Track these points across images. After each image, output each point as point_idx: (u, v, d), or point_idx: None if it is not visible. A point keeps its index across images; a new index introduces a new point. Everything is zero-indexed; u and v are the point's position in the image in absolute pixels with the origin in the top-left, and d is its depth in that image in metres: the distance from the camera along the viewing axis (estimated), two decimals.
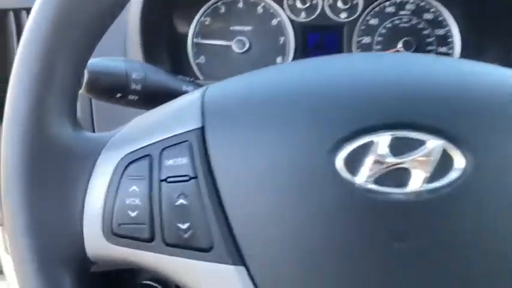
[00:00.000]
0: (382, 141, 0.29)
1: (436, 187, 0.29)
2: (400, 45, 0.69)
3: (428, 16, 0.70)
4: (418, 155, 0.29)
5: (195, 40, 0.69)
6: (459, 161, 0.29)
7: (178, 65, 0.68)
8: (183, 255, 0.30)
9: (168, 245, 0.30)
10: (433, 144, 0.29)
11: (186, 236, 0.30)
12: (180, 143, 0.31)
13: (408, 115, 0.30)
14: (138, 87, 0.43)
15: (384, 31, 0.70)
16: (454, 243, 0.29)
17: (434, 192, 0.29)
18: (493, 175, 0.29)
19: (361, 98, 0.30)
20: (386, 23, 0.70)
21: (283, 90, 0.32)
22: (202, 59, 0.70)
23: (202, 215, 0.30)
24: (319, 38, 0.70)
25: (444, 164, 0.29)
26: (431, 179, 0.29)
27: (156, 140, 0.32)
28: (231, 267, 0.30)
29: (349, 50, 0.69)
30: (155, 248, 0.31)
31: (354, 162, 0.29)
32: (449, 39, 0.70)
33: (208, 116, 0.32)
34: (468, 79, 0.31)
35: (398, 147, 0.29)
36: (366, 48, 0.70)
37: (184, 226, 0.30)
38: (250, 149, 0.30)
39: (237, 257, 0.30)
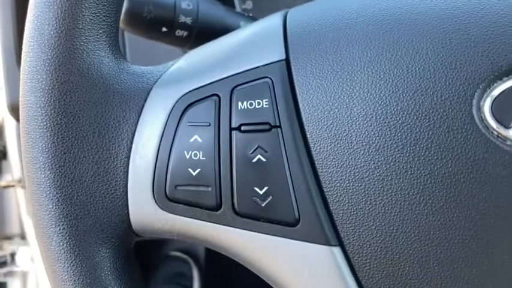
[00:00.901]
0: None
1: None
2: None
3: None
4: None
5: None
6: None
7: None
8: (259, 229, 0.23)
9: (239, 214, 0.23)
10: None
11: (263, 204, 0.22)
12: (258, 79, 0.23)
13: None
14: (188, 20, 0.35)
15: None
16: None
17: None
18: None
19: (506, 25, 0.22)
20: None
21: (399, 7, 0.23)
22: (249, 4, 0.61)
23: (286, 177, 0.22)
24: None
25: None
26: None
27: (226, 75, 0.24)
28: (323, 248, 0.22)
29: None
30: (222, 218, 0.23)
31: (506, 109, 0.21)
32: None
33: (293, 45, 0.24)
34: None
35: None
36: None
37: (262, 191, 0.22)
38: (354, 89, 0.22)
39: (331, 234, 0.22)
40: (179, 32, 0.35)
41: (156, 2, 0.34)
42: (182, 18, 0.34)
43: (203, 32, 0.36)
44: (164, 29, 0.34)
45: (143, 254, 0.76)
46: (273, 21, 0.25)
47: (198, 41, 0.36)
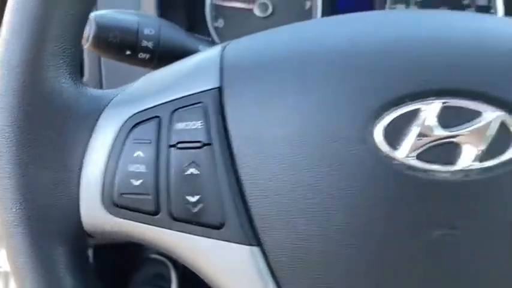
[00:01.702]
0: (430, 109, 0.25)
1: (490, 166, 0.24)
2: None
3: None
4: (471, 128, 0.25)
5: (214, 1, 0.65)
6: None
7: (195, 28, 0.63)
8: (191, 231, 0.27)
9: (174, 219, 0.27)
10: (490, 116, 0.25)
11: (195, 210, 0.26)
12: (194, 104, 0.27)
13: (463, 81, 0.25)
14: (150, 44, 0.39)
15: (420, 0, 0.65)
16: (509, 232, 0.25)
17: (487, 171, 0.24)
18: None
19: (406, 58, 0.26)
20: None
21: (316, 47, 0.27)
22: (220, 23, 0.65)
23: (215, 187, 0.26)
24: (349, 4, 0.65)
25: (501, 139, 0.25)
26: (484, 156, 0.25)
27: (167, 100, 0.28)
28: (245, 248, 0.26)
29: None
30: (160, 222, 0.27)
31: (395, 134, 0.25)
32: (491, 11, 0.64)
33: (227, 75, 0.28)
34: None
35: (449, 118, 0.25)
36: None
37: (194, 199, 0.26)
38: (275, 114, 0.26)
39: (252, 236, 0.26)
40: (142, 55, 0.39)
41: (120, 28, 0.38)
42: (144, 43, 0.38)
43: (165, 55, 0.40)
44: (128, 52, 0.38)
45: (124, 257, 0.80)
46: (212, 53, 0.29)
47: (161, 63, 0.40)
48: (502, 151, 0.25)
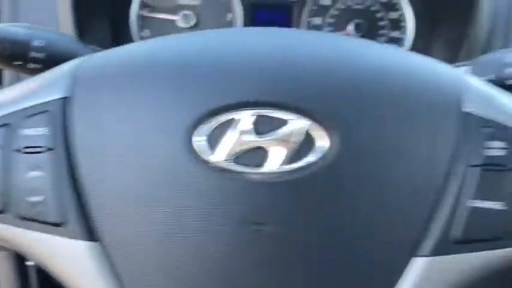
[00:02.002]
0: (243, 119, 0.28)
1: (294, 168, 0.28)
2: (350, 27, 0.67)
3: None
4: (278, 134, 0.28)
5: (140, 12, 0.67)
6: (322, 143, 0.28)
7: (120, 38, 0.66)
8: (35, 228, 0.29)
9: (20, 217, 0.29)
10: (296, 124, 0.28)
11: (38, 209, 0.29)
12: (42, 112, 0.30)
13: (272, 93, 0.28)
14: (41, 55, 0.41)
15: (335, 12, 0.68)
16: (311, 228, 0.28)
17: (291, 173, 0.28)
18: (357, 159, 0.28)
19: (224, 73, 0.29)
20: (339, 4, 0.68)
21: (153, 62, 0.30)
22: (147, 33, 0.68)
23: (55, 188, 0.29)
24: (268, 17, 0.68)
25: (306, 145, 0.28)
26: (290, 160, 0.28)
27: (19, 108, 0.31)
28: (83, 243, 0.29)
29: None
30: (7, 220, 0.29)
31: (213, 140, 0.28)
32: (402, 24, 0.68)
33: (79, 85, 0.30)
34: (341, 57, 0.30)
35: (261, 126, 0.28)
36: (317, 29, 0.68)
37: (36, 199, 0.29)
38: (112, 126, 0.29)
39: (90, 233, 0.29)
40: (32, 65, 0.41)
41: (11, 40, 0.40)
42: (33, 54, 0.41)
43: (56, 64, 0.42)
44: (18, 62, 0.41)
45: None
46: (71, 64, 0.32)
47: None
48: (306, 155, 0.28)
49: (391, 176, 0.28)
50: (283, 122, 0.28)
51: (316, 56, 0.30)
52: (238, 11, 0.67)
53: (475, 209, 0.28)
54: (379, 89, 0.29)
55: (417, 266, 0.29)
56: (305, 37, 0.33)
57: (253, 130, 0.28)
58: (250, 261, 0.28)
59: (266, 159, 0.28)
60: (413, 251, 0.29)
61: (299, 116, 0.28)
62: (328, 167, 0.27)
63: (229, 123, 0.28)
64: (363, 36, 0.67)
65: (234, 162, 0.28)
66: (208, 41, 0.31)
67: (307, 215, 0.28)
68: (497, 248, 0.29)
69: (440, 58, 0.34)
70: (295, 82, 0.28)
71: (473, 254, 0.28)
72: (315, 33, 0.35)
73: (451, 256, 0.28)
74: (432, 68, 0.31)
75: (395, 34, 0.68)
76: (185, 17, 0.67)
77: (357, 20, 0.67)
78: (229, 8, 0.68)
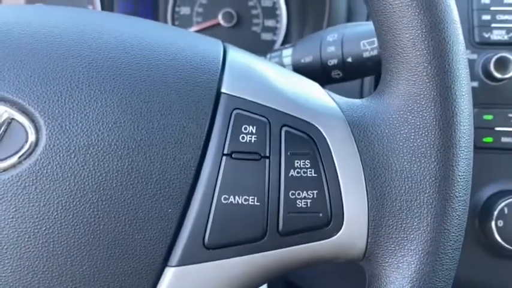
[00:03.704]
0: None
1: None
2: (220, 17, 0.62)
3: None
4: None
5: None
6: (30, 135, 0.23)
7: None
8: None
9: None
10: (3, 115, 0.23)
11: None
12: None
13: None
14: None
15: (204, 2, 0.63)
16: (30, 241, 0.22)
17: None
18: (66, 153, 0.23)
19: None
20: None
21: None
22: None
23: None
24: (133, 8, 0.63)
25: (15, 139, 0.23)
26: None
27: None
28: None
29: (165, 21, 0.63)
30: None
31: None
32: (277, 12, 0.64)
33: None
34: (69, 33, 0.25)
35: None
36: (186, 19, 0.63)
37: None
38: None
39: None
40: None
41: None
42: None
43: None
44: None
45: None
46: None
47: None
48: (14, 151, 0.23)
49: (132, 175, 0.23)
50: None
51: (33, 33, 0.25)
52: (97, 3, 0.62)
53: (228, 206, 0.24)
54: (111, 71, 0.24)
55: (167, 278, 0.24)
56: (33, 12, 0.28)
57: None
58: None
59: None
60: (165, 261, 0.24)
61: (6, 105, 0.23)
62: (37, 167, 0.22)
63: None
64: (235, 26, 0.63)
65: None
66: None
67: (17, 216, 0.22)
68: (258, 252, 0.24)
69: None
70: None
71: (228, 260, 0.24)
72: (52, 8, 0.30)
73: (203, 265, 0.24)
74: (190, 45, 0.27)
75: (269, 23, 0.64)
76: None
77: (227, 9, 0.63)
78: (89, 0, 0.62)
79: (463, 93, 0.25)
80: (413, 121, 0.25)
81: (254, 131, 0.25)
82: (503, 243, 0.45)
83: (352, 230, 0.25)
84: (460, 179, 0.25)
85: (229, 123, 0.25)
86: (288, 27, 0.63)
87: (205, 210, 0.24)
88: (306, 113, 0.26)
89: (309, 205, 0.24)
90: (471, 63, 0.49)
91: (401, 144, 0.25)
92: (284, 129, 0.25)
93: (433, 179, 0.24)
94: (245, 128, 0.25)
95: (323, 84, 0.41)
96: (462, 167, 0.25)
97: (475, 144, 0.47)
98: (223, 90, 0.25)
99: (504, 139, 0.47)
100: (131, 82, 0.24)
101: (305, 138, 0.25)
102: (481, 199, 0.47)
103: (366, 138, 0.26)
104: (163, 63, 0.25)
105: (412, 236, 0.24)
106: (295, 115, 0.25)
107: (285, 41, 0.64)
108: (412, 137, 0.25)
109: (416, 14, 0.25)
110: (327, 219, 0.25)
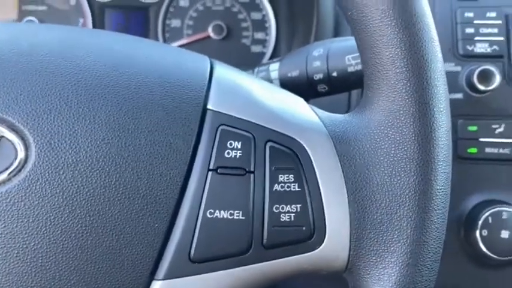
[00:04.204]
0: None
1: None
2: (210, 29, 0.63)
3: None
4: None
5: None
6: (19, 151, 0.23)
7: None
8: None
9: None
10: None
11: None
12: None
13: None
14: None
15: (195, 14, 0.64)
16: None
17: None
18: (55, 169, 0.23)
19: None
20: (198, 5, 0.64)
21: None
22: None
23: None
24: (124, 21, 0.64)
25: (6, 155, 0.23)
26: None
27: None
28: None
29: (155, 34, 0.63)
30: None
31: None
32: (266, 24, 0.65)
33: None
34: (58, 52, 0.25)
35: None
36: (176, 32, 0.64)
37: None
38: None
39: None
40: None
41: None
42: None
43: None
44: None
45: None
46: None
47: None
48: (9, 164, 0.23)
49: (120, 190, 0.24)
50: None
51: (22, 51, 0.25)
52: (88, 15, 0.63)
53: (213, 221, 0.24)
54: (99, 89, 0.24)
55: None
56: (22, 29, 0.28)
57: None
58: None
59: None
60: (152, 274, 0.25)
61: None
62: (26, 183, 0.23)
63: None
64: (225, 38, 0.64)
65: None
66: None
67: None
68: (243, 265, 0.25)
69: None
70: None
71: (214, 273, 0.25)
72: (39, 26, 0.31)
73: (189, 278, 0.24)
74: (178, 62, 0.27)
75: (259, 36, 0.65)
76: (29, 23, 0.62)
77: (217, 22, 0.63)
78: (80, 12, 0.63)
79: (441, 109, 0.26)
80: (393, 136, 0.26)
81: (239, 147, 0.25)
82: (488, 252, 0.46)
83: (335, 242, 0.25)
84: (439, 192, 0.25)
85: (215, 139, 0.25)
86: (277, 40, 0.64)
87: (191, 225, 0.24)
88: (290, 129, 0.26)
89: (292, 219, 0.25)
90: (455, 75, 0.50)
91: (382, 158, 0.26)
92: (269, 144, 0.26)
93: (412, 192, 0.25)
94: (230, 144, 0.25)
95: (309, 97, 0.42)
96: (440, 181, 0.25)
97: (460, 154, 0.48)
98: (209, 106, 0.26)
99: (488, 150, 0.48)
100: (119, 100, 0.25)
101: (289, 153, 0.26)
102: (466, 209, 0.48)
103: (348, 153, 0.26)
104: (150, 80, 0.26)
105: (392, 248, 0.25)
106: (280, 130, 0.26)
107: (274, 54, 0.64)
108: (393, 151, 0.26)
109: (396, 33, 0.25)
110: (310, 232, 0.25)
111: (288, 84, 0.40)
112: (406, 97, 0.25)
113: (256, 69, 0.42)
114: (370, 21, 0.26)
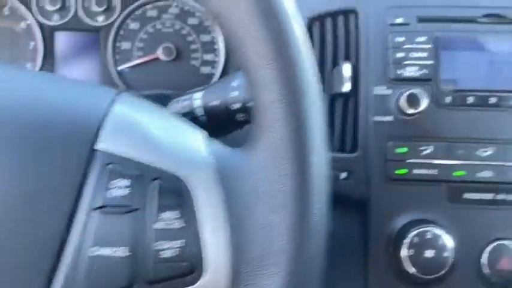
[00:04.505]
0: None
1: None
2: (159, 51, 0.64)
3: (193, 21, 0.66)
4: None
5: None
6: None
7: None
8: None
9: None
10: None
11: None
12: None
13: None
14: None
15: (145, 36, 0.65)
16: None
17: None
18: None
19: None
20: (148, 27, 0.65)
21: None
22: None
23: None
24: (75, 43, 0.65)
25: None
26: None
27: None
28: None
29: (105, 56, 0.64)
30: None
31: None
32: (215, 46, 0.66)
33: None
34: None
35: None
36: (126, 54, 0.65)
37: None
38: None
39: None
40: None
41: None
42: None
43: None
44: None
45: None
46: None
47: None
48: None
49: (5, 234, 0.25)
50: None
51: None
52: (38, 38, 0.64)
53: (97, 258, 0.26)
54: None
55: None
56: None
57: None
58: None
59: None
60: None
61: None
62: None
63: None
64: (174, 60, 0.65)
65: None
66: None
67: None
68: None
69: None
70: None
71: None
72: None
73: None
74: (76, 101, 0.28)
75: (208, 57, 0.66)
76: None
77: (166, 44, 0.65)
78: (30, 36, 0.64)
79: (316, 148, 0.27)
80: (273, 173, 0.27)
81: (128, 184, 0.27)
82: (414, 271, 0.47)
83: (214, 277, 0.26)
84: (313, 226, 0.27)
85: (101, 178, 0.26)
86: (226, 61, 0.66)
87: (75, 263, 0.25)
88: (177, 167, 0.27)
89: (174, 255, 0.26)
90: (387, 98, 0.52)
91: (262, 195, 0.27)
92: (155, 182, 0.27)
93: (289, 227, 0.26)
94: (118, 182, 0.26)
95: (231, 127, 0.43)
96: (315, 215, 0.27)
97: (390, 176, 0.50)
98: (97, 147, 0.27)
99: (415, 171, 0.49)
100: (13, 144, 0.26)
101: (173, 191, 0.27)
102: (395, 228, 0.49)
103: (235, 189, 0.28)
104: (47, 123, 0.27)
105: (269, 281, 0.26)
106: (166, 169, 0.27)
107: (223, 74, 0.66)
108: (273, 188, 0.27)
109: (274, 76, 0.27)
110: (191, 267, 0.26)
111: (210, 113, 0.41)
112: (284, 136, 0.27)
113: (181, 98, 0.43)
114: (252, 61, 0.27)
